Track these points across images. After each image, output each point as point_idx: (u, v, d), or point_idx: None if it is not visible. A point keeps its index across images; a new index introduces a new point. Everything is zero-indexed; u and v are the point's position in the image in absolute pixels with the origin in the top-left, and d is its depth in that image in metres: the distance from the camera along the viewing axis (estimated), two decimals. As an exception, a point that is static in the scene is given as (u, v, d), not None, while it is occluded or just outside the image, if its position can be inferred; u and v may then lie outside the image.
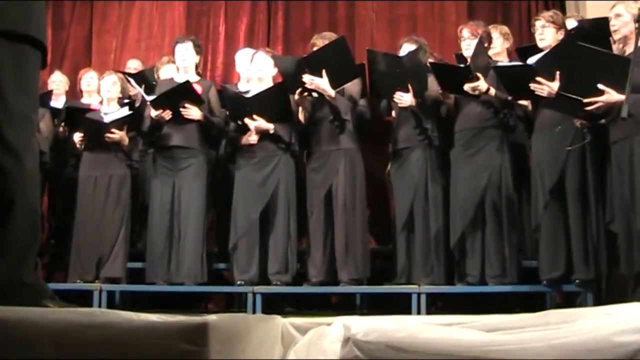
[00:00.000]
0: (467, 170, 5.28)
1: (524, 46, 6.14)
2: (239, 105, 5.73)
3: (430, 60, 5.67)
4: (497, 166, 5.24)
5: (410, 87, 5.43)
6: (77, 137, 6.05)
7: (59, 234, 6.47)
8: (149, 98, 5.79)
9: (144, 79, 6.41)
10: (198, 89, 5.86)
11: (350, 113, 5.66)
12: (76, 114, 6.12)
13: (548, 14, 5.21)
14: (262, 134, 5.67)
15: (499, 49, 5.57)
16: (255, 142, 5.69)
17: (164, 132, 5.85)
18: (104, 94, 6.15)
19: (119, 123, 5.92)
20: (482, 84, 5.13)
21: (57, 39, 7.92)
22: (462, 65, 5.32)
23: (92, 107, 6.27)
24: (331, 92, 5.50)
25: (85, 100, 6.58)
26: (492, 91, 5.17)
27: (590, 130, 4.76)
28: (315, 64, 5.48)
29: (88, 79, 6.59)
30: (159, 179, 5.88)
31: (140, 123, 5.97)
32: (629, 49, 4.60)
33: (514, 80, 4.98)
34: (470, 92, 5.16)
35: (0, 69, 2.29)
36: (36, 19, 2.43)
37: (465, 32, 5.42)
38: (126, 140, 5.98)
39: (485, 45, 5.32)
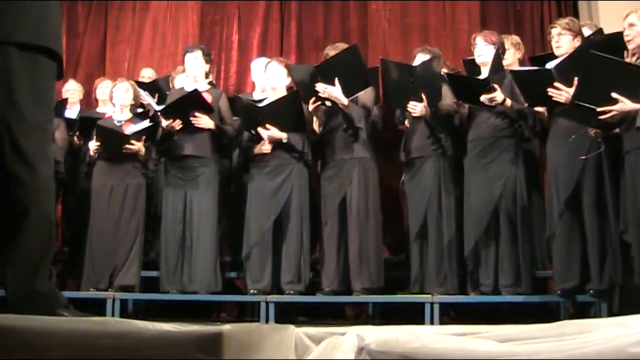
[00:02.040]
0: (481, 179, 5.26)
1: (539, 55, 6.12)
2: (252, 115, 5.71)
3: (444, 70, 5.65)
4: (512, 176, 5.21)
5: (423, 96, 5.42)
6: (93, 145, 6.03)
7: (72, 242, 6.49)
8: (158, 108, 5.80)
9: (157, 88, 6.43)
10: (208, 97, 5.86)
11: (364, 121, 5.65)
12: (91, 123, 6.14)
13: (564, 21, 5.14)
14: (275, 143, 5.68)
15: (511, 59, 5.58)
16: (268, 151, 5.69)
17: (175, 142, 5.86)
18: (116, 101, 6.14)
19: (139, 134, 5.94)
20: (498, 95, 5.12)
21: (71, 48, 7.98)
22: (480, 77, 5.31)
23: (107, 115, 6.29)
24: (344, 101, 5.49)
25: (100, 109, 6.63)
26: (508, 102, 5.15)
27: (605, 139, 4.73)
28: (327, 73, 5.48)
29: (104, 88, 6.63)
30: (170, 189, 5.88)
31: (156, 133, 5.99)
32: (644, 59, 4.58)
33: (531, 85, 4.94)
34: (487, 103, 5.15)
35: (15, 80, 2.31)
36: (51, 30, 2.44)
37: (479, 39, 5.38)
38: (143, 151, 5.99)
39: (501, 55, 5.31)
